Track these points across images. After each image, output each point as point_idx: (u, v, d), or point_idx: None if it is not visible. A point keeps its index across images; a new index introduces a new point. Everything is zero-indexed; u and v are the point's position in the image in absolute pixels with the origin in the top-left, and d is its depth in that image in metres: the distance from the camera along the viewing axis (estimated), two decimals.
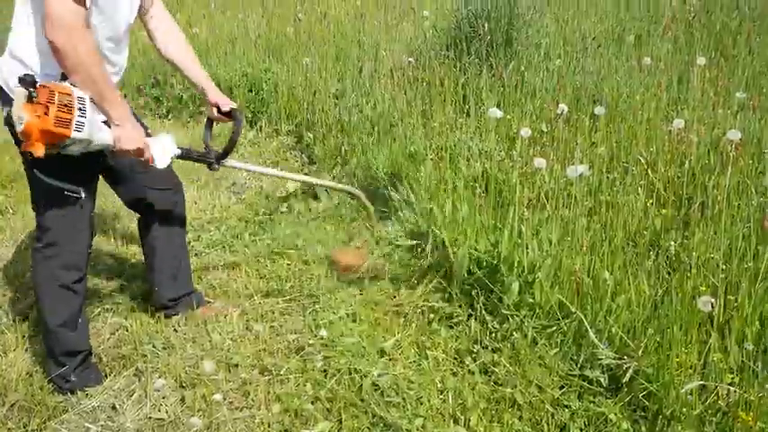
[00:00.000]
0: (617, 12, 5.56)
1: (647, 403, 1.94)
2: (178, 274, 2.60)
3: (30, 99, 1.73)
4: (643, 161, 2.92)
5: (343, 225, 3.28)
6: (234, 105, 2.39)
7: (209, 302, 2.75)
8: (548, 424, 1.98)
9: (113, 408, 2.22)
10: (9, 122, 1.85)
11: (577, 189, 2.75)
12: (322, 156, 3.91)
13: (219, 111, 2.38)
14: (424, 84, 4.09)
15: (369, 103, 3.96)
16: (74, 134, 1.78)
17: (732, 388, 1.79)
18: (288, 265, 3.02)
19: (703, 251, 2.36)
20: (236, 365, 2.37)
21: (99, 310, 2.71)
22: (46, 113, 1.73)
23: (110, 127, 1.94)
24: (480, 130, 3.64)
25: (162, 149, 2.09)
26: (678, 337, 1.99)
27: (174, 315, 2.63)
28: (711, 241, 2.39)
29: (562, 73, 4.04)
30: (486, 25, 4.12)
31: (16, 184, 4.07)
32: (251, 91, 4.77)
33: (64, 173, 1.98)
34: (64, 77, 1.84)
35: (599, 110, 3.41)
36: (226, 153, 2.29)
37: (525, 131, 3.22)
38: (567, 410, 2.01)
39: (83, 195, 2.03)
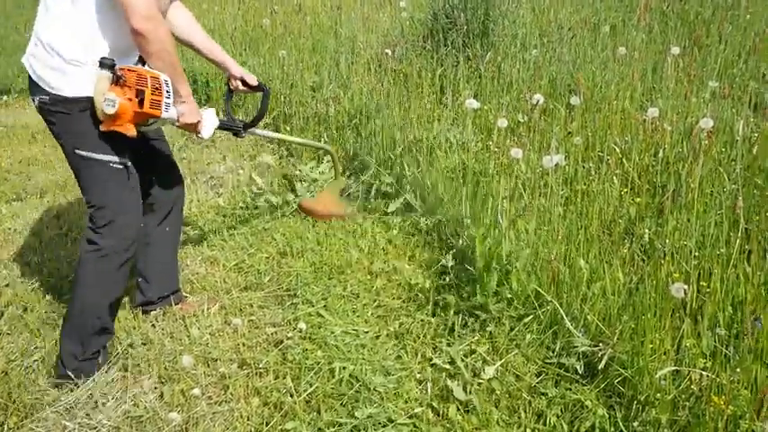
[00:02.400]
0: (592, 1, 5.59)
1: (622, 389, 1.96)
2: (169, 274, 2.60)
3: (117, 82, 1.90)
4: (618, 150, 2.94)
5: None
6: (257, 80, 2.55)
7: (186, 297, 2.72)
8: (525, 411, 1.99)
9: (92, 405, 2.19)
10: (42, 105, 2.00)
11: (553, 179, 2.77)
12: (300, 148, 3.89)
13: (245, 84, 2.52)
14: (402, 75, 4.07)
15: (346, 95, 3.93)
16: (164, 114, 1.98)
17: (705, 373, 1.82)
18: (266, 258, 3.00)
19: (677, 238, 2.39)
20: (215, 360, 2.35)
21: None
22: (137, 96, 1.90)
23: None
24: (458, 122, 3.64)
25: (209, 122, 2.27)
26: (652, 323, 2.01)
27: (153, 311, 2.60)
28: (684, 229, 2.42)
29: (539, 63, 4.04)
30: (462, 15, 4.11)
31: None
32: (227, 84, 4.70)
33: (105, 146, 2.04)
34: (142, 61, 2.01)
35: (574, 100, 3.43)
36: (254, 123, 2.49)
37: (502, 122, 3.23)
38: (543, 398, 2.02)
39: (129, 163, 2.12)
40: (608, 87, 3.57)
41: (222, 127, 2.38)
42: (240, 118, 2.49)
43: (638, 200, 2.67)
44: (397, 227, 3.16)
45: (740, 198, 2.02)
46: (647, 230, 2.41)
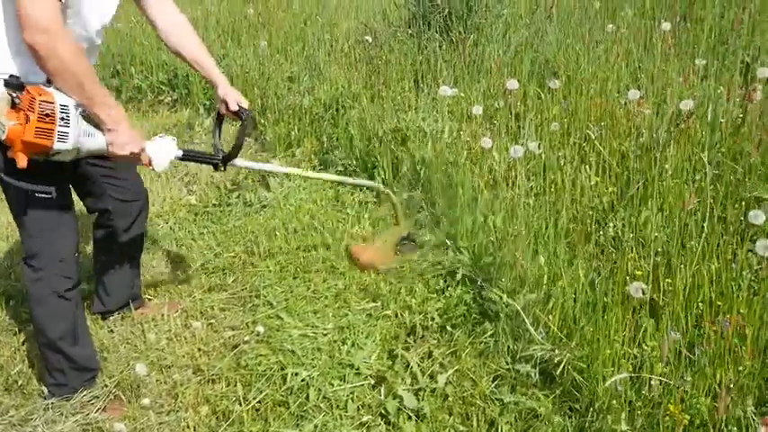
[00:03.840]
0: None
1: (578, 396, 1.86)
2: (128, 286, 2.52)
3: (13, 105, 1.61)
4: (593, 136, 2.80)
5: (292, 214, 3.18)
6: (244, 104, 2.20)
7: (149, 300, 2.66)
8: (478, 419, 1.90)
9: (44, 416, 2.13)
10: None
11: (523, 169, 2.65)
12: (273, 142, 3.79)
13: (227, 107, 2.19)
14: (381, 62, 3.95)
15: (322, 85, 3.83)
16: (57, 145, 1.66)
17: (662, 379, 1.70)
18: (232, 258, 2.93)
19: (650, 231, 2.26)
20: (170, 366, 2.30)
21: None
22: (27, 122, 1.60)
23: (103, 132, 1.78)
24: (435, 110, 3.52)
25: (161, 152, 1.95)
26: (613, 325, 1.90)
27: (111, 317, 2.54)
28: (657, 219, 2.29)
29: (522, 45, 3.89)
30: None
31: None
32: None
33: (33, 174, 1.79)
34: (49, 82, 1.69)
35: (553, 83, 3.29)
36: (232, 155, 2.13)
37: (477, 109, 3.11)
38: (498, 405, 1.93)
39: (54, 194, 1.88)
40: (589, 69, 3.41)
41: (188, 158, 2.08)
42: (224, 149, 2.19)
43: (611, 189, 2.53)
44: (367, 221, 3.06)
45: (692, 194, 1.88)
46: (611, 224, 2.28)
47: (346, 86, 3.74)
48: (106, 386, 2.20)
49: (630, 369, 1.81)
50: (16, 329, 2.52)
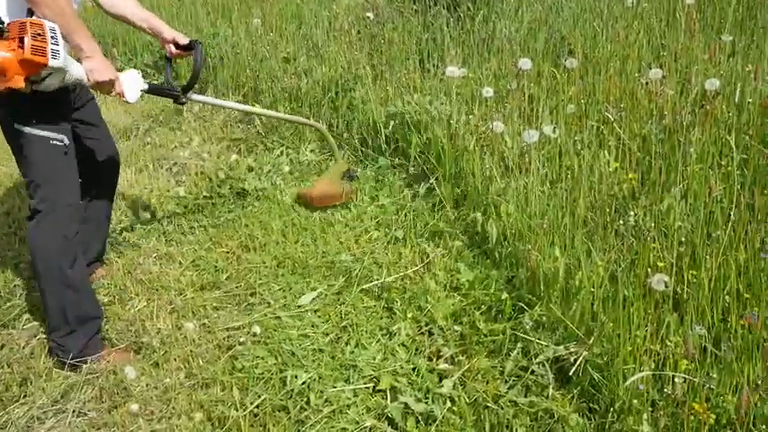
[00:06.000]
0: None
1: (598, 395, 1.89)
2: (101, 241, 2.83)
3: (1, 36, 1.93)
4: (612, 118, 2.81)
5: (289, 206, 3.21)
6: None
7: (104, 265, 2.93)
8: (490, 422, 1.93)
9: (28, 423, 2.17)
10: None
11: (537, 155, 2.67)
12: (269, 126, 3.82)
13: (178, 46, 2.57)
14: (383, 41, 3.96)
15: (321, 66, 3.84)
16: (51, 62, 1.96)
17: (686, 376, 1.73)
18: (226, 253, 2.96)
19: (672, 220, 2.28)
20: (162, 369, 2.33)
21: (15, 313, 2.67)
22: (20, 46, 1.90)
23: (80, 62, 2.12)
24: (442, 91, 3.53)
25: (132, 83, 2.31)
26: (634, 320, 1.92)
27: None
28: (680, 207, 2.31)
29: (535, 21, 3.90)
30: None
31: None
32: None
33: (44, 121, 2.16)
34: (30, 14, 2.02)
35: (570, 63, 3.30)
36: (190, 85, 2.49)
37: (487, 91, 3.12)
38: (511, 407, 1.96)
39: (66, 142, 2.22)
40: (609, 47, 3.42)
41: (153, 91, 2.42)
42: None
43: (631, 176, 2.55)
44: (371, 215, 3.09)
45: (717, 180, 1.90)
46: (632, 214, 2.30)
47: (346, 67, 3.76)
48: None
49: (653, 366, 1.83)
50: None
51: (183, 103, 2.59)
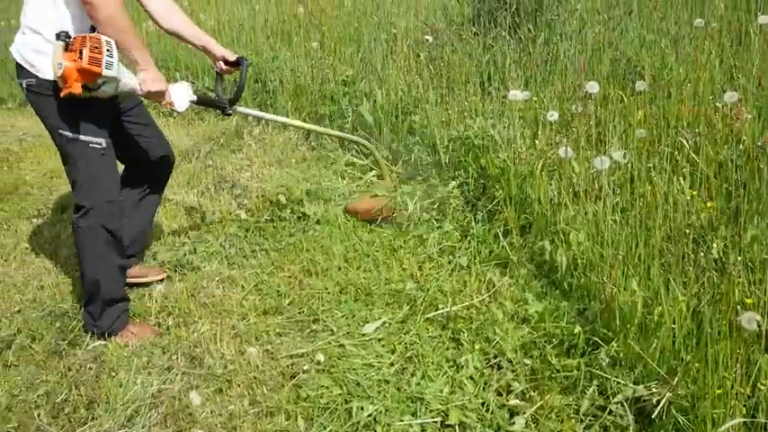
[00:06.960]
0: None
1: None
2: (143, 238, 3.04)
3: (66, 48, 2.18)
4: (687, 144, 2.70)
5: (350, 230, 3.18)
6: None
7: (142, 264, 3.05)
8: None
9: None
10: (29, 88, 2.34)
11: (608, 181, 2.58)
12: (329, 148, 3.81)
13: (227, 62, 2.79)
14: (443, 64, 3.92)
15: (381, 90, 3.82)
16: (105, 71, 2.19)
17: None
18: (288, 278, 2.94)
19: (757, 252, 2.15)
20: (225, 395, 2.31)
21: (80, 330, 2.69)
22: (79, 57, 2.15)
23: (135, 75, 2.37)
24: (505, 114, 3.47)
25: (181, 94, 2.54)
26: (721, 360, 1.81)
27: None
28: (766, 238, 2.18)
29: (599, 43, 3.80)
30: None
31: (12, 197, 4.12)
32: (257, 82, 4.69)
33: (86, 126, 2.37)
34: (93, 30, 2.27)
35: (640, 85, 3.19)
36: (236, 98, 2.73)
37: (552, 114, 3.04)
38: None
39: (104, 144, 2.43)
40: (678, 68, 3.30)
41: (201, 102, 2.67)
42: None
43: (710, 204, 2.43)
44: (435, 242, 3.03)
45: None
46: (714, 244, 2.18)
47: (406, 90, 3.73)
48: None
49: (743, 412, 1.71)
50: (66, 352, 2.58)
51: (228, 115, 2.84)
